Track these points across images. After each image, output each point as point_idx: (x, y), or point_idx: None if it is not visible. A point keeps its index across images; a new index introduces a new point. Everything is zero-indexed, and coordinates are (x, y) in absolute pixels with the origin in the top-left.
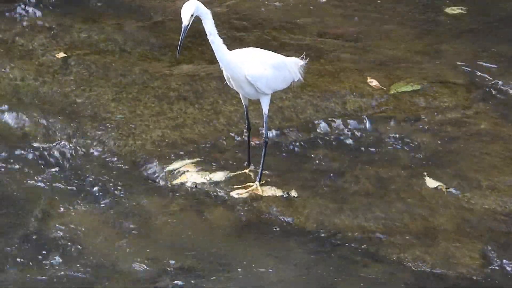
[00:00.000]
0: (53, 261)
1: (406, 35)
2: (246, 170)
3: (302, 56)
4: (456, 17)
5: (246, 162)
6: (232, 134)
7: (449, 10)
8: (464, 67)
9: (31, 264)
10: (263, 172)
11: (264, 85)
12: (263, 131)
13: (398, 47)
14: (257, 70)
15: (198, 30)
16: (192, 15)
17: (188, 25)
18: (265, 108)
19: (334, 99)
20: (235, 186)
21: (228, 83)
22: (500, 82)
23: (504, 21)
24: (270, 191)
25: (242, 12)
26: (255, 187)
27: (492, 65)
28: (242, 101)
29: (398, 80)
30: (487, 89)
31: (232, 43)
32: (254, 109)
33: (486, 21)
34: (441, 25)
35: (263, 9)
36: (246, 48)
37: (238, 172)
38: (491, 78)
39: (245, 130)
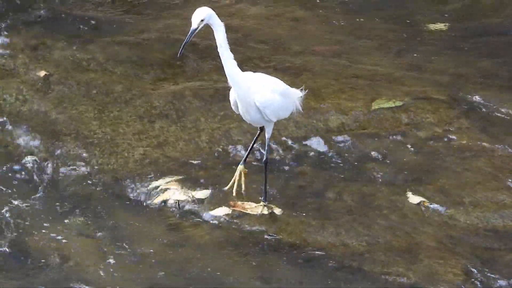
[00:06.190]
0: (35, 280)
1: (388, 52)
2: (231, 188)
3: (301, 88)
4: (438, 34)
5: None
6: (214, 152)
7: (431, 26)
8: (446, 83)
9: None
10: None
11: (272, 113)
12: (264, 154)
13: (380, 63)
14: (267, 96)
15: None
16: (202, 20)
17: (196, 29)
18: (269, 134)
19: (316, 116)
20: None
21: (233, 108)
22: (482, 98)
23: (486, 37)
24: (254, 208)
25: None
26: (263, 207)
27: (474, 81)
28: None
29: (380, 96)
30: (469, 105)
31: (217, 58)
32: (237, 126)
33: (467, 37)
34: (423, 42)
35: (244, 25)
36: (257, 72)
37: (221, 189)
38: (473, 94)
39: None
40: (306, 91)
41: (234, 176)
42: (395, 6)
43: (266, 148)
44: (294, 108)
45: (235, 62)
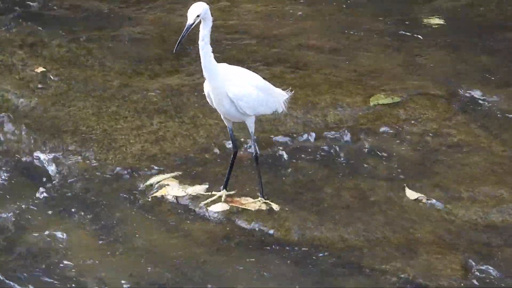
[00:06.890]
0: (35, 274)
1: (385, 48)
2: (222, 194)
3: (287, 89)
4: (435, 29)
5: (223, 185)
6: (212, 148)
7: (428, 21)
8: (443, 79)
9: (11, 279)
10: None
11: (246, 105)
12: (252, 149)
13: (377, 59)
14: (240, 88)
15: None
16: (198, 16)
17: (192, 25)
18: (251, 129)
19: (314, 111)
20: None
21: (208, 100)
22: (479, 93)
23: (483, 32)
24: (251, 204)
25: (221, 24)
26: (261, 203)
27: (472, 77)
28: (226, 123)
29: (378, 92)
30: (466, 101)
31: (215, 53)
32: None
33: (465, 32)
34: (421, 37)
35: (241, 21)
36: (234, 66)
37: (215, 192)
38: (470, 90)
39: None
40: (293, 92)
41: (214, 196)
42: (392, 1)
43: (252, 143)
44: (278, 107)
45: (212, 55)
